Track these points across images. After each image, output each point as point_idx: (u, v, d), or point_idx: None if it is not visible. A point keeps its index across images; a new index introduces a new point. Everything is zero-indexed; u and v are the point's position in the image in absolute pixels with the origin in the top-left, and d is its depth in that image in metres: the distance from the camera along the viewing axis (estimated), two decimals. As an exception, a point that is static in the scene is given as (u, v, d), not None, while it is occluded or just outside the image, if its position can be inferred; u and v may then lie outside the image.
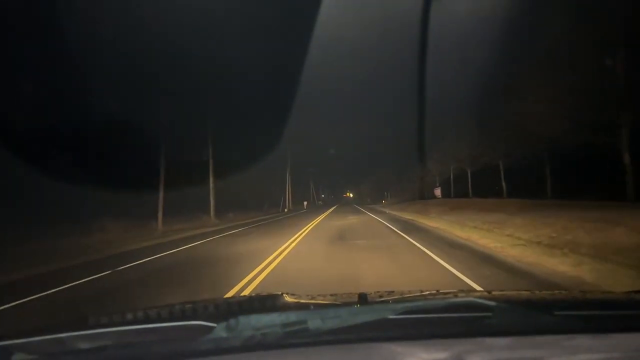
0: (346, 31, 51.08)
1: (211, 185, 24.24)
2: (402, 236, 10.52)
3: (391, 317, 1.11)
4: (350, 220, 18.93)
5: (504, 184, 23.06)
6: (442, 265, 6.15)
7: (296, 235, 12.02)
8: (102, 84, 16.70)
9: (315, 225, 16.34)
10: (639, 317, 1.18)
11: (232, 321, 1.06)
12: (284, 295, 1.53)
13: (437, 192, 32.15)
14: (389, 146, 55.60)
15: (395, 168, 48.33)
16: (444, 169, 32.42)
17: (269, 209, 40.09)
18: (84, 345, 1.06)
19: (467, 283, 4.89)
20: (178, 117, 21.09)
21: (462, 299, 1.34)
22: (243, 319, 1.08)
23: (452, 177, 32.01)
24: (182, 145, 22.01)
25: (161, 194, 18.09)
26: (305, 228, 14.98)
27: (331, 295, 1.62)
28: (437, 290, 1.54)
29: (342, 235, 11.53)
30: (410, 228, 13.10)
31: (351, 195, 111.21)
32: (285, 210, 42.72)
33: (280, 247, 9.20)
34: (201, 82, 22.19)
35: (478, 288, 4.52)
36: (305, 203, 53.59)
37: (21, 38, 14.04)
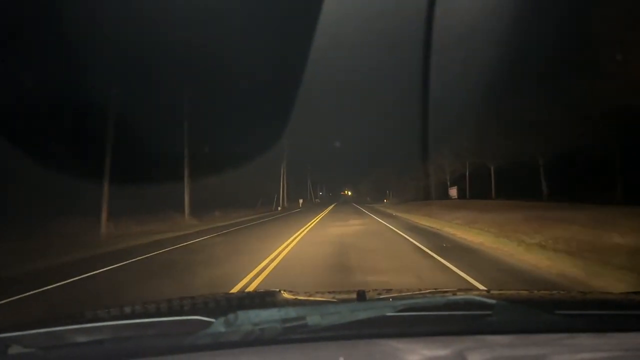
0: (346, 24, 47.39)
1: (186, 180, 20.56)
2: (445, 265, 6.30)
3: (391, 314, 1.08)
4: (353, 226, 14.74)
5: (543, 182, 18.98)
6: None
7: (278, 250, 8.15)
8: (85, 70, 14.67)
9: (307, 233, 12.38)
10: (638, 317, 1.17)
11: (230, 316, 1.04)
12: (283, 292, 1.51)
13: (453, 192, 28.01)
14: (390, 143, 52.39)
15: (397, 166, 44.72)
16: (458, 165, 28.42)
17: (261, 207, 36.40)
18: (81, 338, 1.03)
19: None
20: (166, 109, 20.03)
21: (461, 297, 1.29)
22: (242, 314, 1.05)
23: (467, 174, 27.94)
24: (169, 137, 20.45)
25: (105, 188, 13.89)
26: (294, 236, 11.07)
27: (329, 292, 1.61)
28: (436, 289, 1.54)
29: (344, 258, 7.25)
30: (446, 246, 8.72)
31: (349, 193, 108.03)
32: (279, 208, 38.86)
33: (243, 279, 5.31)
34: (196, 71, 21.10)
35: None
36: (300, 201, 49.67)
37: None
